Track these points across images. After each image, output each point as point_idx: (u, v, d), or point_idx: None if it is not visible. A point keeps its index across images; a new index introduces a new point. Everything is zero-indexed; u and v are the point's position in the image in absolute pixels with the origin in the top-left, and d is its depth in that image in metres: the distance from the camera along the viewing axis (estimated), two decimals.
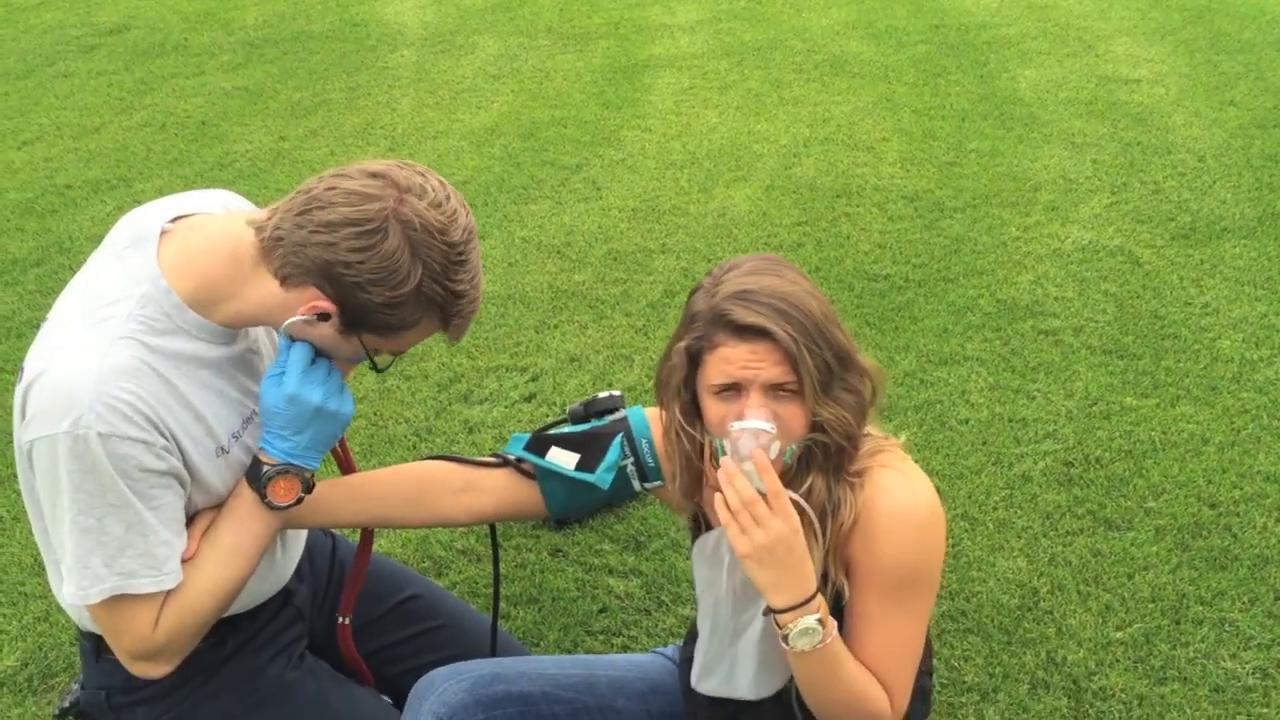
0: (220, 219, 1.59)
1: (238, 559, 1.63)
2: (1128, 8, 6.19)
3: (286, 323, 1.51)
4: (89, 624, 1.67)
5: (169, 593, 1.57)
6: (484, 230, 4.19)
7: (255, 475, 1.63)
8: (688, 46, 6.03)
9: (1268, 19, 5.88)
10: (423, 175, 1.50)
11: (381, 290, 1.46)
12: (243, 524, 1.64)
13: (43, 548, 1.61)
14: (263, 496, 1.62)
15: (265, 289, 1.51)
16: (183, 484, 1.56)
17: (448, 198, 1.50)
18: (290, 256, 1.47)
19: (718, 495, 1.45)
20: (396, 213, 1.44)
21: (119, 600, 1.53)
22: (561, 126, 5.10)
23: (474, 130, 5.11)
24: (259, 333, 1.70)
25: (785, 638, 1.45)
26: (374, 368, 1.61)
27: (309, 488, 1.64)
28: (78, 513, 1.47)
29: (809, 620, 1.44)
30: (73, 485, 1.46)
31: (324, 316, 1.50)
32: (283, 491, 1.63)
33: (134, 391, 1.46)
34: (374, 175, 1.48)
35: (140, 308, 1.50)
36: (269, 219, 1.49)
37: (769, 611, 1.47)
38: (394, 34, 6.46)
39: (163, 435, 1.50)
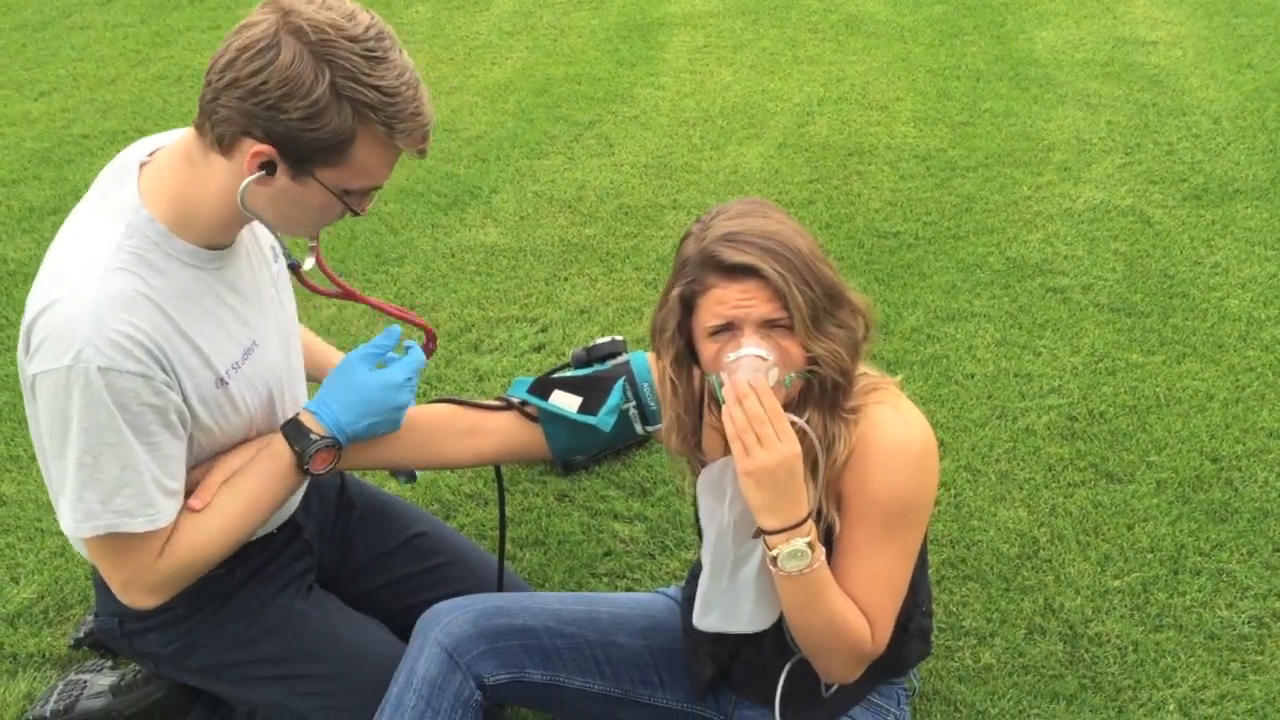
0: (180, 134, 1.57)
1: (256, 511, 1.66)
2: None
3: (240, 188, 1.47)
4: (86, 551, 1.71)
5: (180, 530, 1.59)
6: (496, 184, 4.20)
7: (300, 439, 1.65)
8: (703, 5, 6.00)
9: None
10: None
11: (296, 103, 1.40)
12: (270, 480, 1.67)
13: (45, 479, 1.62)
14: (303, 462, 1.66)
15: (218, 172, 1.49)
16: (183, 421, 1.56)
17: (340, 2, 1.45)
18: (214, 118, 1.45)
19: (725, 411, 1.47)
20: (284, 24, 1.41)
21: (113, 537, 1.54)
22: (575, 83, 5.09)
23: (488, 86, 5.11)
24: (249, 246, 1.69)
25: (774, 560, 1.48)
26: (353, 211, 1.55)
27: (339, 457, 1.69)
28: (76, 448, 1.48)
29: (799, 543, 1.47)
30: (73, 420, 1.46)
31: (269, 168, 1.46)
32: (322, 462, 1.67)
33: (132, 323, 1.46)
34: (259, 5, 1.46)
35: (127, 238, 1.50)
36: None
37: (759, 533, 1.50)
38: None
39: (162, 369, 1.50)
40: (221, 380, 1.60)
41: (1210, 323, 3.23)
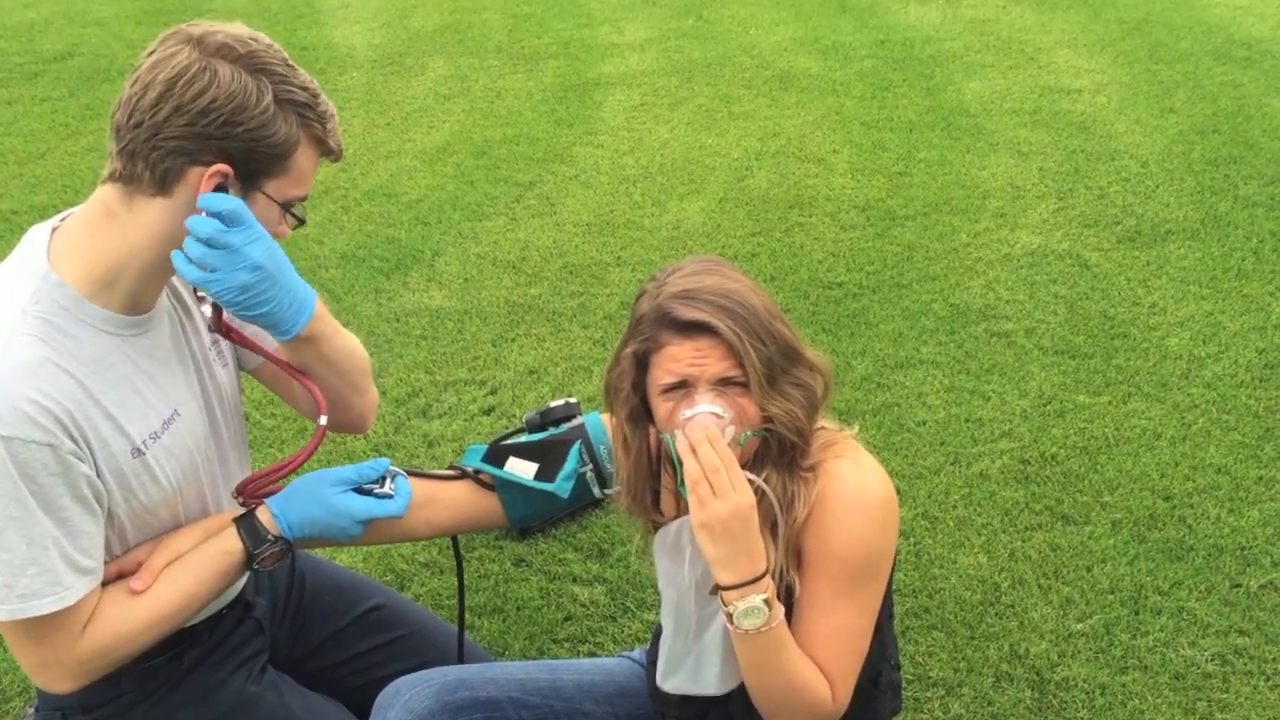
0: (90, 197, 1.53)
1: (193, 603, 1.60)
2: (1067, 21, 6.32)
3: (190, 218, 1.43)
4: None
5: (106, 612, 1.52)
6: (439, 247, 4.17)
7: (255, 539, 1.61)
8: (637, 64, 6.06)
9: (1203, 29, 6.02)
10: (207, 24, 1.48)
11: (250, 114, 1.42)
12: (213, 574, 1.61)
13: None
14: (252, 561, 1.61)
15: (151, 215, 1.45)
16: (97, 495, 1.49)
17: (231, 22, 1.48)
18: (154, 154, 1.42)
19: (686, 460, 1.44)
20: (204, 48, 1.42)
21: (20, 621, 1.46)
22: (514, 144, 5.10)
23: (426, 149, 5.10)
24: (173, 312, 1.63)
25: (731, 616, 1.45)
26: (298, 220, 1.56)
27: (288, 557, 1.65)
28: None
29: (755, 599, 1.43)
30: None
31: (221, 188, 1.44)
32: (270, 560, 1.63)
33: (40, 389, 1.40)
34: (159, 44, 1.45)
35: (34, 304, 1.44)
36: (112, 162, 1.45)
37: (716, 589, 1.46)
38: (343, 56, 6.45)
39: (71, 439, 1.43)
40: (138, 450, 1.53)
41: (1152, 362, 3.28)
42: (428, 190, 4.67)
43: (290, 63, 1.48)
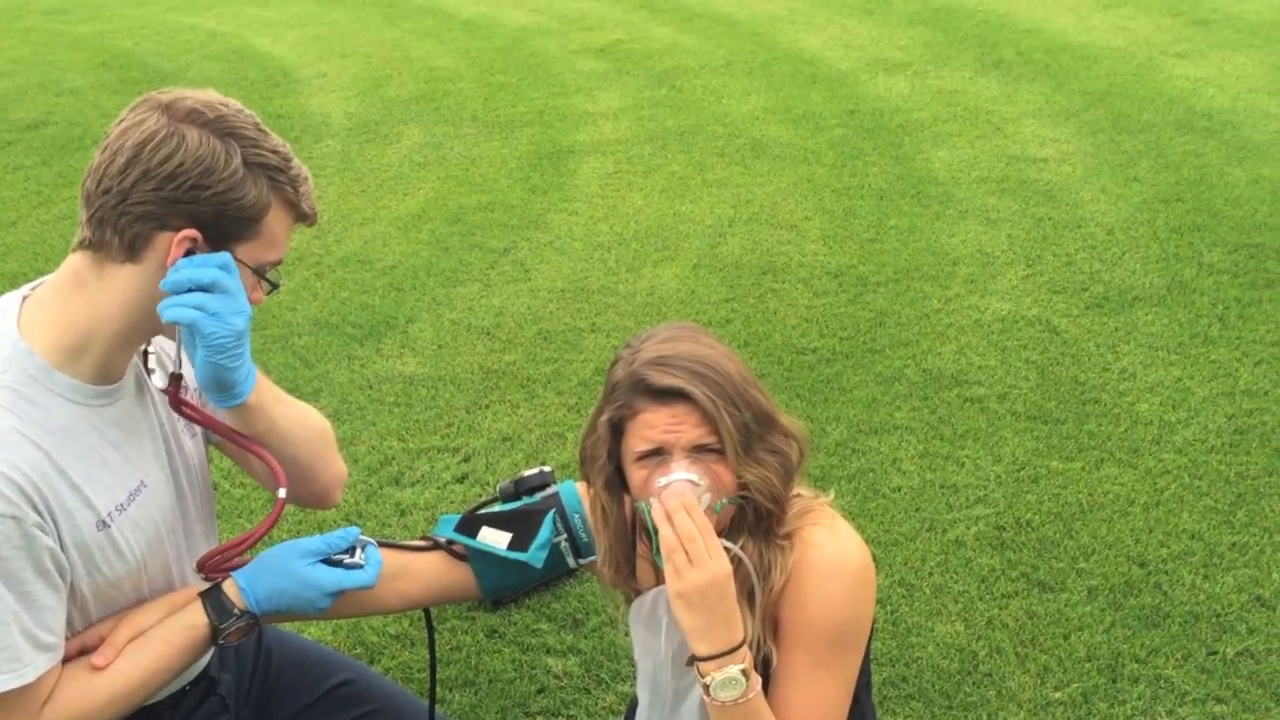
0: (61, 265, 1.52)
1: (154, 680, 1.56)
2: (1032, 92, 6.44)
3: (164, 282, 1.41)
4: None
5: (66, 689, 1.48)
6: (412, 313, 4.17)
7: (220, 614, 1.57)
8: (611, 133, 6.13)
9: (1165, 100, 6.15)
10: (178, 91, 1.47)
11: (216, 178, 1.41)
12: (177, 650, 1.57)
13: None
14: (217, 636, 1.57)
15: (121, 281, 1.44)
16: (59, 568, 1.45)
17: (203, 90, 1.48)
18: (120, 223, 1.41)
19: (662, 529, 1.43)
20: (173, 114, 1.42)
21: None
22: (488, 211, 5.13)
23: (401, 216, 5.12)
24: (142, 383, 1.61)
25: (707, 688, 1.43)
26: (272, 286, 1.53)
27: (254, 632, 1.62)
28: None
29: (732, 670, 1.41)
30: None
31: (190, 253, 1.43)
32: (235, 635, 1.59)
33: (7, 460, 1.37)
34: (129, 112, 1.45)
35: (2, 373, 1.42)
36: (82, 230, 1.45)
37: (693, 660, 1.44)
38: (319, 125, 6.49)
39: (36, 510, 1.40)
40: (103, 523, 1.49)
41: (1124, 427, 3.30)
42: (402, 257, 4.68)
43: (262, 127, 1.48)
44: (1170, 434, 3.26)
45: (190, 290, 1.44)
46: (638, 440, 1.50)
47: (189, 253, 1.43)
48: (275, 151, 1.47)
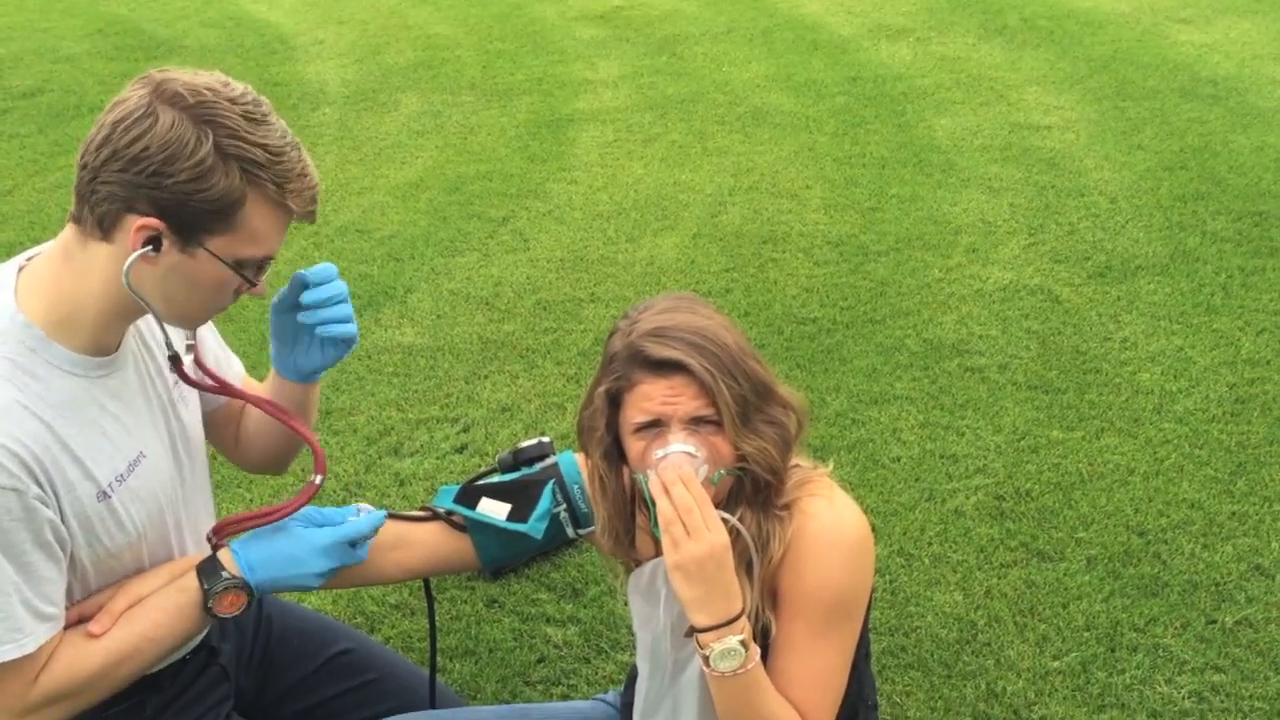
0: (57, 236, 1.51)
1: (150, 647, 1.55)
2: (1036, 59, 6.39)
3: (125, 266, 1.39)
4: None
5: (61, 656, 1.48)
6: (411, 283, 4.15)
7: (209, 576, 1.56)
8: (611, 101, 6.08)
9: (1169, 67, 6.11)
10: (182, 69, 1.44)
11: (180, 165, 1.35)
12: (171, 616, 1.56)
13: None
14: (207, 600, 1.56)
15: (101, 259, 1.42)
16: (60, 540, 1.45)
17: (212, 71, 1.43)
18: (93, 200, 1.39)
19: (659, 501, 1.42)
20: (158, 94, 1.37)
21: None
22: (487, 180, 5.10)
23: (399, 185, 5.09)
24: (137, 353, 1.61)
25: (706, 659, 1.43)
26: (250, 284, 1.48)
27: (250, 604, 1.59)
28: None
29: (731, 640, 1.41)
30: None
31: (154, 243, 1.39)
32: (229, 604, 1.57)
33: (8, 433, 1.37)
34: (128, 86, 1.42)
35: (1, 344, 1.41)
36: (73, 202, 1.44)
37: (692, 631, 1.44)
38: (315, 93, 6.44)
39: (38, 483, 1.40)
40: (104, 493, 1.50)
41: (1125, 397, 3.29)
42: (400, 226, 4.65)
43: (254, 116, 1.40)
44: (1171, 403, 3.25)
45: (333, 304, 1.60)
46: (635, 412, 1.49)
47: (150, 242, 1.39)
48: (261, 145, 1.39)
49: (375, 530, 1.65)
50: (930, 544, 2.74)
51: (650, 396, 1.48)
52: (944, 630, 2.48)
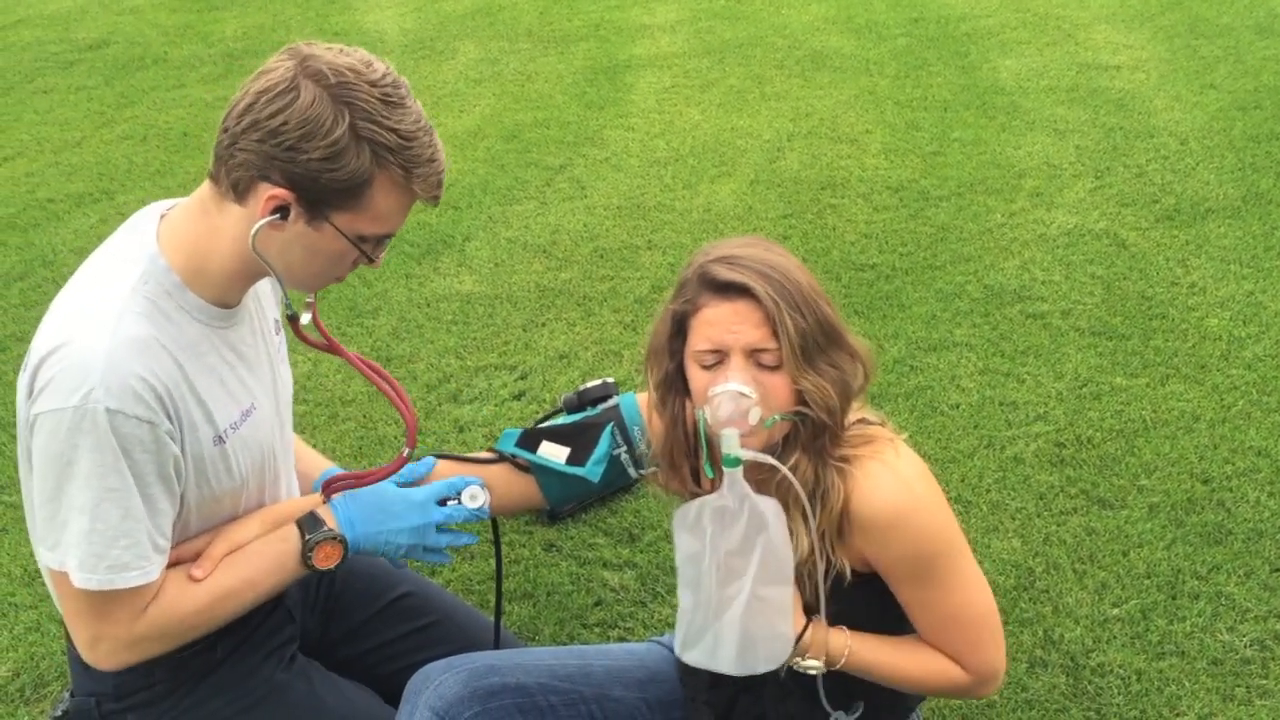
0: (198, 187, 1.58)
1: (248, 591, 1.62)
2: None
3: (252, 230, 1.45)
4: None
5: (167, 595, 1.55)
6: (469, 231, 4.18)
7: (310, 527, 1.64)
8: (668, 46, 6.02)
9: (1244, 3, 5.90)
10: (328, 45, 1.48)
11: (315, 143, 1.40)
12: (270, 563, 1.63)
13: (30, 527, 1.57)
14: (306, 549, 1.63)
15: (233, 219, 1.48)
16: (179, 474, 1.53)
17: (356, 50, 1.47)
18: (230, 164, 1.44)
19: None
20: (303, 69, 1.42)
21: (96, 593, 1.49)
22: (544, 128, 5.09)
23: (456, 134, 5.10)
24: (253, 312, 1.67)
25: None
26: (368, 259, 1.54)
27: (345, 558, 1.66)
28: (76, 494, 1.44)
29: (811, 663, 1.54)
30: (74, 463, 1.42)
31: (283, 212, 1.45)
32: (325, 556, 1.64)
33: (148, 367, 1.44)
34: (276, 55, 1.46)
35: (143, 284, 1.48)
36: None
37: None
38: (374, 41, 6.45)
39: (169, 418, 1.47)
40: (220, 438, 1.57)
41: (1191, 343, 3.22)
42: (458, 175, 4.67)
43: (392, 100, 1.43)
44: (1240, 349, 3.18)
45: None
46: (698, 339, 1.51)
47: (278, 211, 1.45)
48: (394, 129, 1.43)
49: (470, 515, 1.73)
50: (989, 491, 2.72)
51: (714, 322, 1.49)
52: (1001, 577, 2.47)
